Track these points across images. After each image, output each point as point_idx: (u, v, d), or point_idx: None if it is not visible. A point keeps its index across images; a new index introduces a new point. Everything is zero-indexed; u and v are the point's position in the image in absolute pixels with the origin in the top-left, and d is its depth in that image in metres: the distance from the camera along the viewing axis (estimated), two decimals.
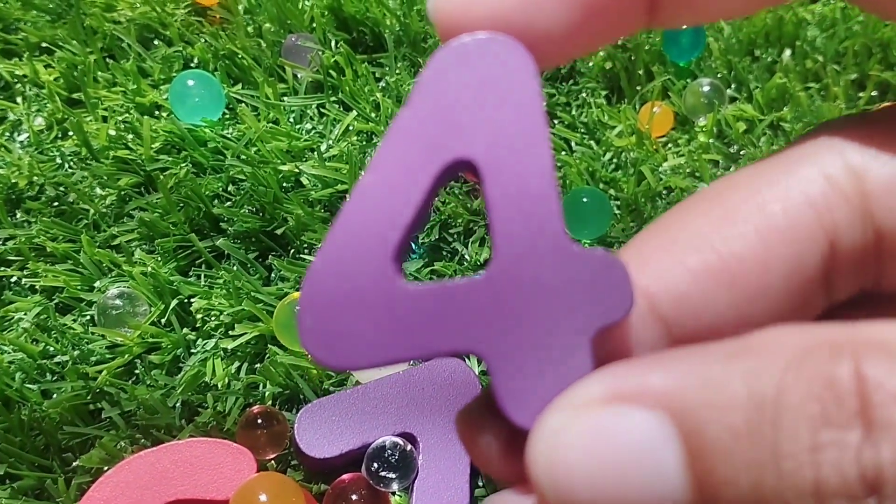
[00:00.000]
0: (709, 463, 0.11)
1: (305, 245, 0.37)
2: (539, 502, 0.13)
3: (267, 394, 0.33)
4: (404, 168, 0.15)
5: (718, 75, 0.42)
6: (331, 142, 0.40)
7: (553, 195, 0.15)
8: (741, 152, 0.40)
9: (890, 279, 0.15)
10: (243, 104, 0.41)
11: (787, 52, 0.43)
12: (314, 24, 0.43)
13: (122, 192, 0.38)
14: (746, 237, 0.14)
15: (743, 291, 0.15)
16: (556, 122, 0.41)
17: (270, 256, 0.36)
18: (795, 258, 0.14)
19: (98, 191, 0.38)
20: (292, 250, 0.37)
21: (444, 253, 0.37)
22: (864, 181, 0.14)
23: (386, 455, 0.30)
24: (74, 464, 0.31)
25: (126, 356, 0.33)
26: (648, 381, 0.12)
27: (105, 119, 0.40)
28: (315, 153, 0.39)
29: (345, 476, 0.30)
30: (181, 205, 0.37)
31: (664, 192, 0.39)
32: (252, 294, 0.35)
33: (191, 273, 0.36)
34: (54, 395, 0.32)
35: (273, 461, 0.31)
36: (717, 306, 0.15)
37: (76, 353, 0.33)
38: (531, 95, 0.15)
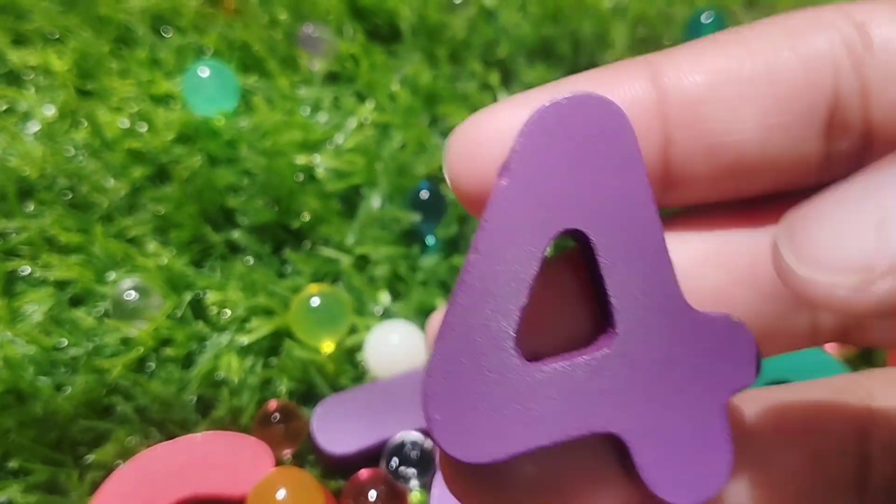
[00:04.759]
0: None
1: (321, 238, 0.36)
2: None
3: (283, 389, 0.32)
4: (512, 246, 0.14)
5: None
6: (346, 133, 0.39)
7: (666, 259, 0.14)
8: None
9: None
10: (258, 95, 0.40)
11: None
12: (330, 14, 0.43)
13: (136, 184, 0.37)
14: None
15: (757, 108, 0.15)
16: None
17: (286, 250, 0.36)
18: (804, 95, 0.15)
19: (111, 182, 0.37)
20: (308, 243, 0.36)
21: (463, 247, 0.37)
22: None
23: (405, 451, 0.29)
24: (88, 458, 0.31)
25: (140, 349, 0.33)
26: None
27: (118, 109, 0.40)
28: (331, 145, 0.38)
29: (363, 472, 0.29)
30: (195, 196, 0.36)
31: None
32: (267, 287, 0.34)
33: (205, 265, 0.36)
34: (67, 389, 0.32)
35: (290, 456, 0.31)
36: (727, 119, 0.15)
37: (90, 346, 0.33)
38: (631, 155, 0.14)
